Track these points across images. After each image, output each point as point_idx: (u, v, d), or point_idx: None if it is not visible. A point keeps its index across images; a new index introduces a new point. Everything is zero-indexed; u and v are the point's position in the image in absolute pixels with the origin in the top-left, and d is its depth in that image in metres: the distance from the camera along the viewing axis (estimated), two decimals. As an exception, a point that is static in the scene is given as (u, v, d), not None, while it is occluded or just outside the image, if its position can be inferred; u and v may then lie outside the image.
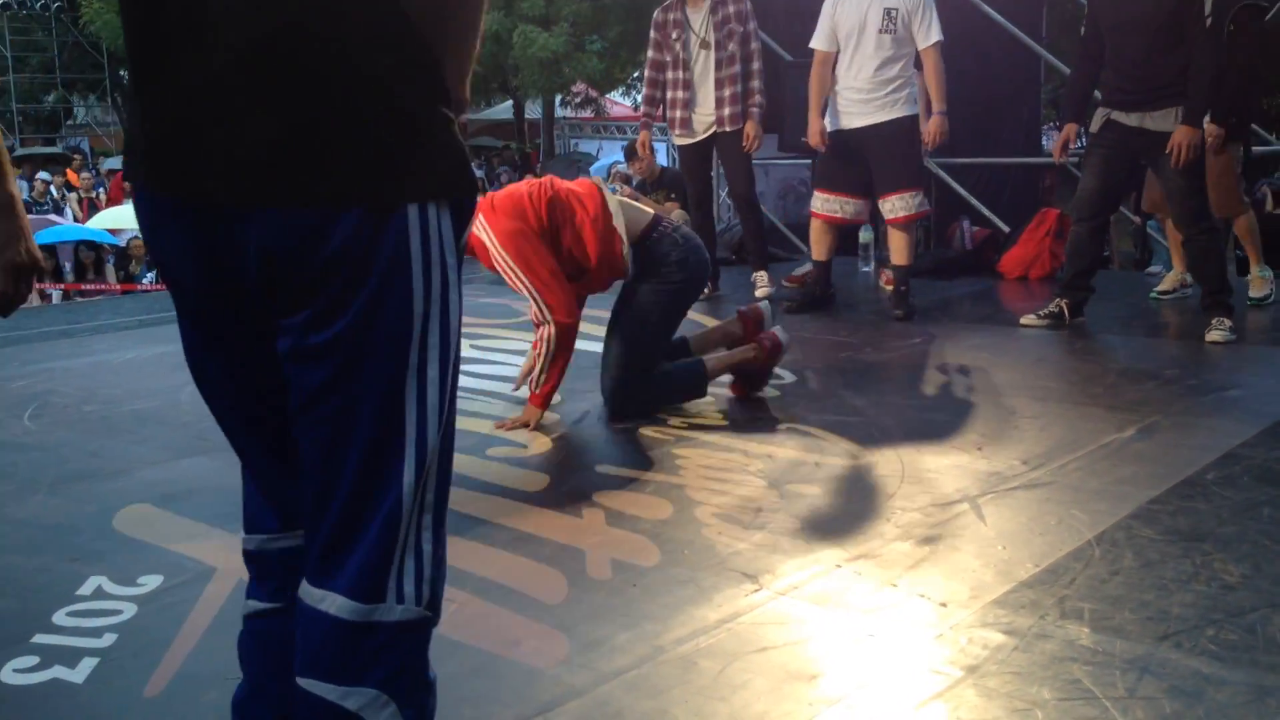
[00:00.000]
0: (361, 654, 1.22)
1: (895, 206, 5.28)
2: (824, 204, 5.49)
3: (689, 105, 5.78)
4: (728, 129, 5.70)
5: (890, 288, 5.89)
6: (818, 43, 5.37)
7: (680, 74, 5.76)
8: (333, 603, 1.23)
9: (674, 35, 5.75)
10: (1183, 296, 5.60)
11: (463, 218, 1.27)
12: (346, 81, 1.17)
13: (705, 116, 5.76)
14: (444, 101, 1.23)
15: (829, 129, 5.38)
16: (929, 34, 5.13)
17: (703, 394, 3.82)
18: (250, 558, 1.41)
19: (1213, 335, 4.59)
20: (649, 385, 3.72)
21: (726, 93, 5.66)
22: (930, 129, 5.21)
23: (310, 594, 1.25)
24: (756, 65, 5.73)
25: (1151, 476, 2.96)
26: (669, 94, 5.85)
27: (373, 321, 1.20)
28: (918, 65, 5.33)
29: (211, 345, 1.31)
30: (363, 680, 1.22)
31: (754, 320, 3.99)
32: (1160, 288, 5.74)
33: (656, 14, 5.91)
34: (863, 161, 5.29)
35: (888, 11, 5.13)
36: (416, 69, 1.20)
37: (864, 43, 5.19)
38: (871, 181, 5.32)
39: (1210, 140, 4.84)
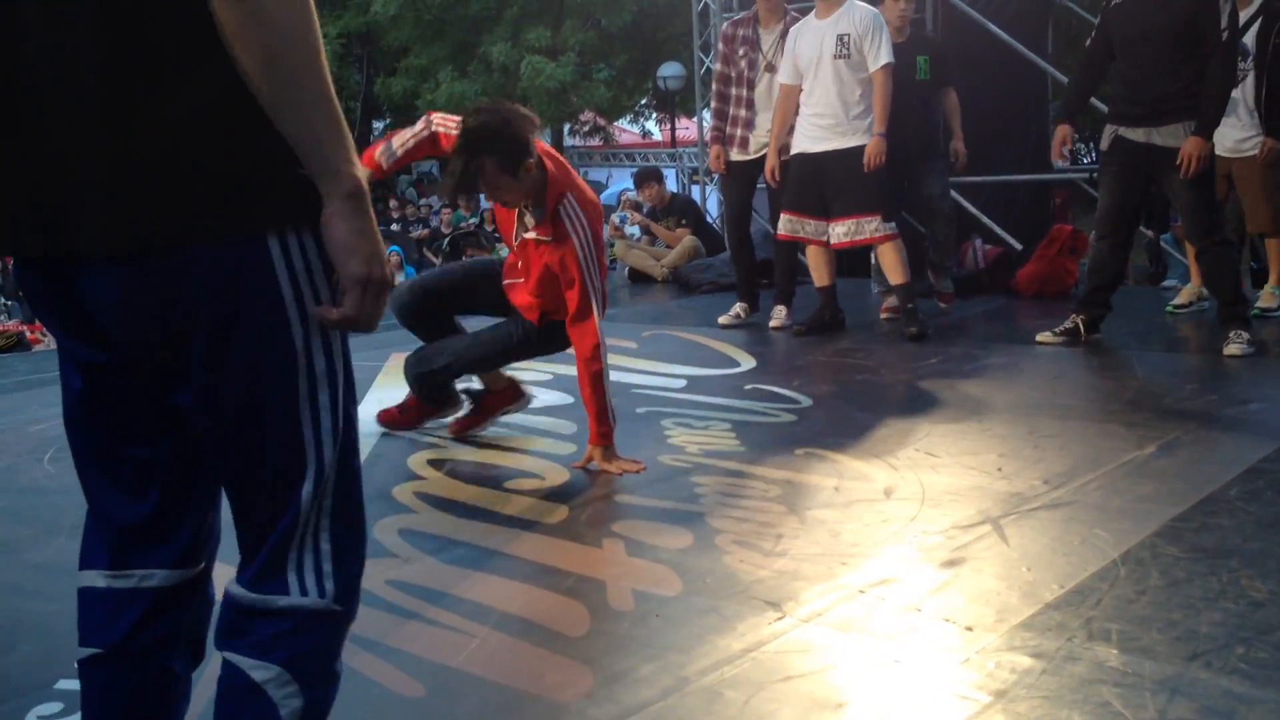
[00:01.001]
0: (266, 634, 1.31)
1: (841, 232, 5.37)
2: (786, 224, 5.58)
3: (749, 125, 5.82)
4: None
5: (886, 316, 5.90)
6: (784, 76, 5.51)
7: (744, 92, 5.81)
8: (242, 591, 1.33)
9: (740, 52, 5.80)
10: (1199, 310, 5.58)
11: None
12: (180, 122, 1.15)
13: (764, 137, 5.77)
14: None
15: (792, 150, 5.47)
16: (878, 57, 5.25)
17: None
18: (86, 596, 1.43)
19: (1231, 349, 4.56)
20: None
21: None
22: (869, 150, 5.23)
23: (229, 586, 1.35)
24: None
25: (1174, 493, 2.94)
26: (730, 110, 5.86)
27: (257, 359, 1.24)
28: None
29: (96, 396, 1.34)
30: (269, 656, 1.31)
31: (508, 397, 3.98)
32: (1176, 301, 5.72)
33: (726, 27, 5.99)
34: (822, 184, 5.37)
35: (840, 38, 5.27)
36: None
37: (822, 70, 5.31)
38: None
39: (1265, 154, 5.03)
